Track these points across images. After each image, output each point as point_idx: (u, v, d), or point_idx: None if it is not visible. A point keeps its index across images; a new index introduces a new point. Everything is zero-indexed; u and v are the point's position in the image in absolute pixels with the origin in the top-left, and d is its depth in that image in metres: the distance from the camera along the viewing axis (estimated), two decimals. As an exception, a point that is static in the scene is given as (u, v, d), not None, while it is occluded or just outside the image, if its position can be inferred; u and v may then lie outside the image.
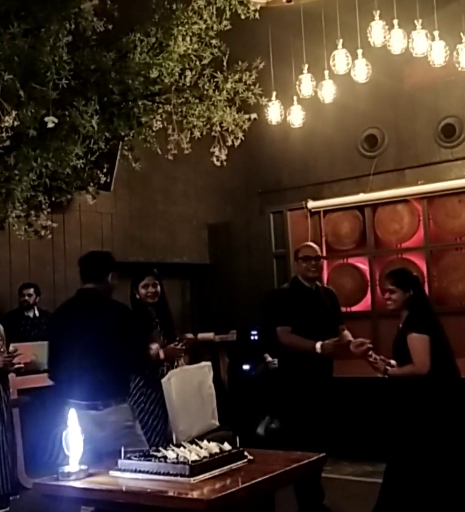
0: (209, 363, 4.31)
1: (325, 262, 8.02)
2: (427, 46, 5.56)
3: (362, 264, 8.11)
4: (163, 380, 4.02)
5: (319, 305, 4.52)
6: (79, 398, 3.36)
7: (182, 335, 4.45)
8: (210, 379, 4.17)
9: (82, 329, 3.48)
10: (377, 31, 5.53)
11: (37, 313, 6.74)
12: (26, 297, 6.65)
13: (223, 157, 4.74)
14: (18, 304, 6.73)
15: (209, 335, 8.35)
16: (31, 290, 6.69)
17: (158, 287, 4.29)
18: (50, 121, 3.81)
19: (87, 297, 3.61)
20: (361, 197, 8.06)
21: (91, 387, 3.38)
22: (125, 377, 3.64)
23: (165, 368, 4.17)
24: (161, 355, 4.09)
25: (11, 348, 4.67)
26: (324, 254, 8.18)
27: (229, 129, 4.69)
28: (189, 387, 4.02)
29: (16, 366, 4.83)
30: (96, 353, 3.41)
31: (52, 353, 3.69)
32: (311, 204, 8.36)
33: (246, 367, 6.89)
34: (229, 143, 4.74)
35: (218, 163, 4.78)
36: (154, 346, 4.09)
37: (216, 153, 4.73)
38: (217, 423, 4.14)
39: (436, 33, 5.58)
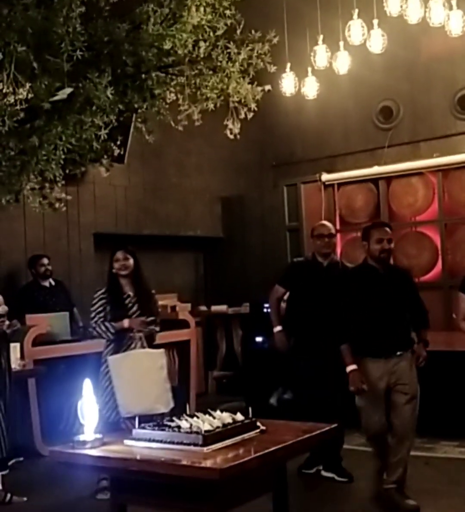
0: (162, 350, 4.52)
1: (338, 236, 8.00)
2: (444, 15, 5.47)
3: (376, 238, 8.06)
4: (112, 357, 4.36)
5: (322, 280, 4.78)
6: None
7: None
8: (159, 366, 4.37)
9: None
10: (393, 1, 5.44)
11: (52, 283, 6.83)
12: (47, 267, 6.75)
13: (236, 130, 4.70)
14: (32, 275, 6.79)
15: (223, 307, 8.39)
16: (47, 260, 6.78)
17: (130, 261, 4.58)
18: (62, 94, 3.80)
19: None
20: (376, 170, 8.01)
21: None
22: None
23: (137, 342, 4.46)
24: (126, 324, 4.44)
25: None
26: (338, 227, 8.17)
27: (242, 101, 4.65)
28: (136, 368, 4.28)
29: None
30: None
31: None
32: (325, 177, 8.31)
33: (258, 339, 6.93)
34: (243, 115, 4.70)
35: (232, 136, 4.76)
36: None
37: (230, 126, 4.70)
38: (162, 409, 4.20)
39: (453, 1, 5.48)
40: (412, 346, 4.15)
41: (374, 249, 4.13)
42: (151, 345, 4.59)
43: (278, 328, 4.93)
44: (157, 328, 4.67)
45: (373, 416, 4.12)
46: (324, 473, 4.76)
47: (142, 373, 4.28)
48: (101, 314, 4.49)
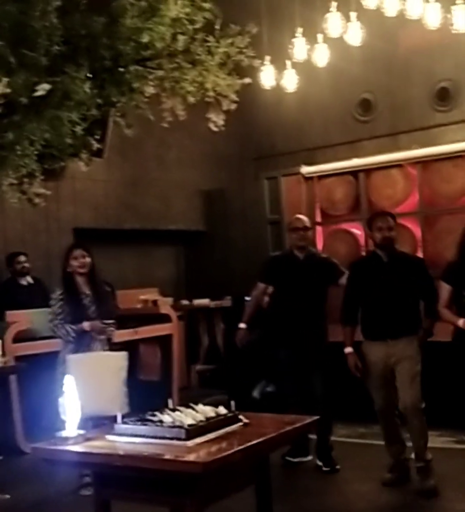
0: (124, 353, 4.48)
1: (319, 228, 8.04)
2: (422, 8, 5.50)
3: (356, 229, 8.12)
4: (73, 356, 4.33)
5: (299, 273, 4.92)
6: None
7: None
8: (119, 367, 4.35)
9: None
10: (371, -7, 5.45)
11: (31, 281, 6.73)
12: (24, 264, 6.65)
13: (221, 122, 4.72)
14: (10, 273, 6.69)
15: (205, 301, 8.40)
16: (24, 258, 6.68)
17: (87, 259, 4.56)
18: (42, 89, 3.77)
19: None
20: (355, 162, 8.04)
21: None
22: None
23: (98, 342, 4.49)
24: (87, 327, 4.43)
25: None
26: (319, 220, 8.20)
27: (223, 93, 4.65)
28: (95, 369, 4.24)
29: None
30: None
31: None
32: (305, 169, 8.33)
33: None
34: (225, 107, 4.71)
35: (216, 128, 4.77)
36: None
37: (214, 118, 4.71)
38: (116, 411, 4.03)
39: (430, -6, 5.51)
40: (417, 331, 4.32)
41: (375, 237, 4.39)
42: (111, 343, 4.59)
43: (242, 325, 5.03)
44: (114, 328, 4.65)
45: (375, 393, 4.33)
46: (317, 462, 4.87)
47: (100, 374, 4.24)
48: (61, 316, 4.46)
